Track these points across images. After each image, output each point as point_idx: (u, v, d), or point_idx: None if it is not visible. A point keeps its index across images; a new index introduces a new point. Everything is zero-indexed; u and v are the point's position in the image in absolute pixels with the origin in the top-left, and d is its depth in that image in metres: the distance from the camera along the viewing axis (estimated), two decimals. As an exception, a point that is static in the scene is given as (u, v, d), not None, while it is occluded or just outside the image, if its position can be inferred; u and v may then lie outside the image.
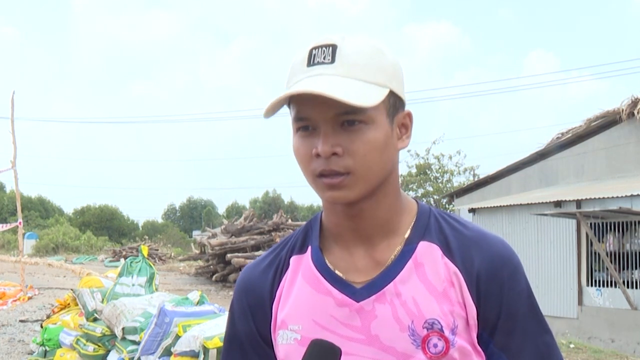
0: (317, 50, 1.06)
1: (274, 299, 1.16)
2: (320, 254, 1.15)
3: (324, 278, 1.12)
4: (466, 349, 1.07)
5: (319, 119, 1.04)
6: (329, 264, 1.13)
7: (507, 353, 1.09)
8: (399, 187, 1.15)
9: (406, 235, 1.12)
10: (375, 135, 1.05)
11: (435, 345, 1.06)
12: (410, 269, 1.09)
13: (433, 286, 1.08)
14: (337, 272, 1.12)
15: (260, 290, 1.18)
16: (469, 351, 1.07)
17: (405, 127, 1.13)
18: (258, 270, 1.20)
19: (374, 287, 1.09)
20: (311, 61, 1.06)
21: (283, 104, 1.07)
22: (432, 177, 30.50)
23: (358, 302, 1.09)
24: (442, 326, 1.06)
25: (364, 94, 1.02)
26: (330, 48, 1.05)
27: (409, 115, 1.13)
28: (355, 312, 1.09)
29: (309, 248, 1.17)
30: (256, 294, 1.18)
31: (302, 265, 1.16)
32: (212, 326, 3.97)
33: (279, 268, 1.18)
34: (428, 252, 1.10)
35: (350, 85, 1.02)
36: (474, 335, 1.08)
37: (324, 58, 1.05)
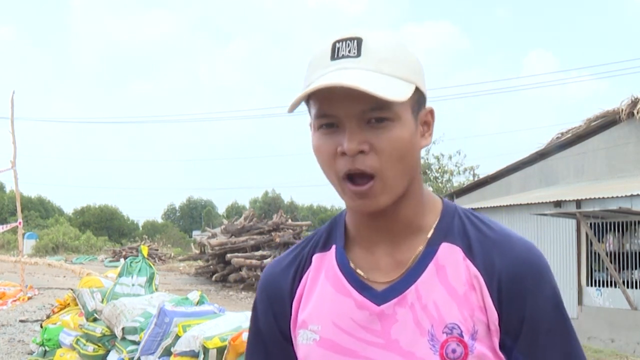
0: (341, 43, 1.01)
1: (295, 297, 1.15)
2: (343, 253, 1.12)
3: (346, 279, 1.10)
4: (485, 355, 1.03)
5: (344, 115, 1.00)
6: (351, 264, 1.11)
7: None
8: (422, 186, 1.12)
9: (429, 236, 1.09)
10: (402, 133, 1.01)
11: (454, 351, 1.02)
12: (431, 272, 1.06)
13: (454, 289, 1.04)
14: (358, 271, 1.10)
15: (281, 287, 1.16)
16: (489, 357, 1.04)
17: (427, 124, 1.09)
18: (280, 267, 1.19)
19: (395, 290, 1.06)
20: (335, 55, 1.01)
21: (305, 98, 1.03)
22: (432, 177, 30.52)
23: (379, 305, 1.06)
24: (461, 331, 1.03)
25: (393, 89, 0.98)
26: (355, 41, 1.01)
27: (432, 112, 1.09)
28: (376, 315, 1.06)
29: (333, 247, 1.14)
30: (277, 291, 1.17)
31: (325, 264, 1.14)
32: (212, 326, 3.97)
33: (300, 266, 1.16)
34: (450, 254, 1.07)
35: (379, 80, 0.98)
36: (496, 341, 1.04)
37: (349, 51, 1.01)
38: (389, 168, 1.01)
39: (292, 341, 1.15)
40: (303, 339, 1.11)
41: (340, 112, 1.00)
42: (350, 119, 1.00)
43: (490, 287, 1.04)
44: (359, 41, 1.01)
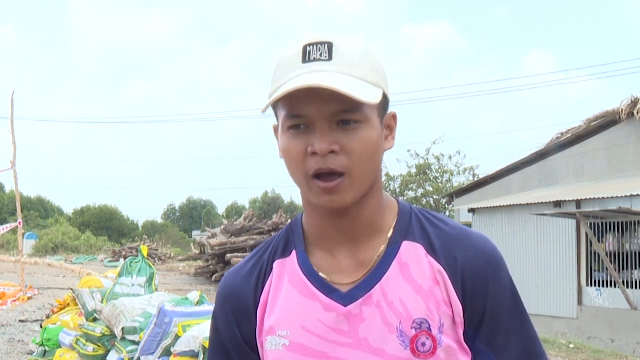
0: (312, 47, 1.04)
1: (259, 304, 1.15)
2: (306, 257, 1.14)
3: (311, 282, 1.11)
4: (452, 347, 1.07)
5: (315, 116, 1.02)
6: (314, 268, 1.12)
7: (493, 349, 1.09)
8: (382, 187, 1.15)
9: (389, 235, 1.12)
10: (370, 134, 1.04)
11: (424, 345, 1.05)
12: (395, 270, 1.09)
13: (419, 285, 1.07)
14: (321, 274, 1.11)
15: (244, 296, 1.16)
16: (455, 350, 1.07)
17: (390, 128, 1.13)
18: (240, 276, 1.19)
19: (361, 290, 1.09)
20: (307, 58, 1.04)
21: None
22: (432, 177, 30.50)
23: (345, 306, 1.08)
24: (430, 325, 1.06)
25: (366, 92, 1.01)
26: (326, 45, 1.04)
27: (394, 116, 1.14)
28: (343, 316, 1.08)
29: (294, 252, 1.15)
30: (239, 300, 1.17)
31: (287, 270, 1.14)
32: (211, 326, 3.97)
33: (262, 273, 1.17)
34: (412, 251, 1.10)
35: (352, 83, 1.01)
36: (461, 333, 1.08)
37: (321, 55, 1.03)
38: (358, 168, 1.04)
39: (257, 350, 1.15)
40: (271, 345, 1.11)
41: (312, 113, 1.02)
42: (321, 120, 1.02)
43: (454, 282, 1.08)
44: (330, 45, 1.04)
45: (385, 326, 1.06)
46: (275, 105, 1.07)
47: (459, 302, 1.07)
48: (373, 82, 1.05)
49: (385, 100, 1.09)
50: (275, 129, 1.13)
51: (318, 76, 1.01)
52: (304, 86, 0.99)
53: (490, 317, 1.08)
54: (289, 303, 1.12)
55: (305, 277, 1.12)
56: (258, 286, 1.16)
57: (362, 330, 1.07)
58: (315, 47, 1.04)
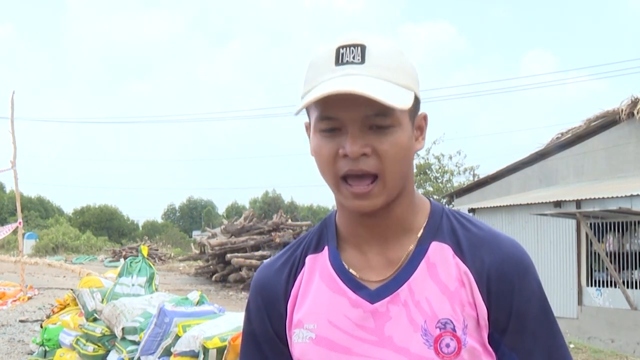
0: (345, 49, 1.05)
1: (289, 297, 1.17)
2: (337, 254, 1.16)
3: (340, 278, 1.13)
4: (476, 349, 1.07)
5: (347, 119, 1.03)
6: (344, 264, 1.14)
7: (518, 353, 1.09)
8: (414, 187, 1.16)
9: (419, 235, 1.13)
10: (402, 137, 1.05)
11: (448, 345, 1.06)
12: (423, 270, 1.10)
13: (445, 286, 1.08)
14: (351, 271, 1.13)
15: (275, 289, 1.19)
16: (479, 351, 1.08)
17: (420, 129, 1.13)
18: (273, 269, 1.22)
19: (388, 288, 1.10)
20: (340, 60, 1.04)
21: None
22: (432, 177, 30.50)
23: (372, 303, 1.10)
24: (454, 326, 1.07)
25: (397, 96, 1.02)
26: (359, 48, 1.04)
27: (425, 117, 1.14)
28: (370, 313, 1.10)
29: (326, 247, 1.18)
30: (271, 293, 1.19)
31: (318, 265, 1.17)
32: (211, 326, 3.97)
33: (294, 267, 1.19)
34: (440, 252, 1.11)
35: (383, 87, 1.02)
36: (485, 335, 1.09)
37: (354, 58, 1.04)
38: (389, 171, 1.05)
39: (286, 342, 1.18)
40: (299, 338, 1.14)
41: (344, 116, 1.03)
42: (353, 123, 1.03)
43: (479, 284, 1.08)
44: (363, 48, 1.04)
45: (410, 325, 1.08)
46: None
47: (484, 305, 1.08)
48: (404, 85, 1.05)
49: (416, 102, 1.09)
50: (307, 127, 1.14)
51: (351, 80, 1.01)
52: (338, 92, 0.99)
53: (515, 321, 1.08)
54: (318, 297, 1.14)
55: (334, 273, 1.14)
56: (289, 280, 1.19)
57: (388, 328, 1.09)
58: (348, 49, 1.04)
